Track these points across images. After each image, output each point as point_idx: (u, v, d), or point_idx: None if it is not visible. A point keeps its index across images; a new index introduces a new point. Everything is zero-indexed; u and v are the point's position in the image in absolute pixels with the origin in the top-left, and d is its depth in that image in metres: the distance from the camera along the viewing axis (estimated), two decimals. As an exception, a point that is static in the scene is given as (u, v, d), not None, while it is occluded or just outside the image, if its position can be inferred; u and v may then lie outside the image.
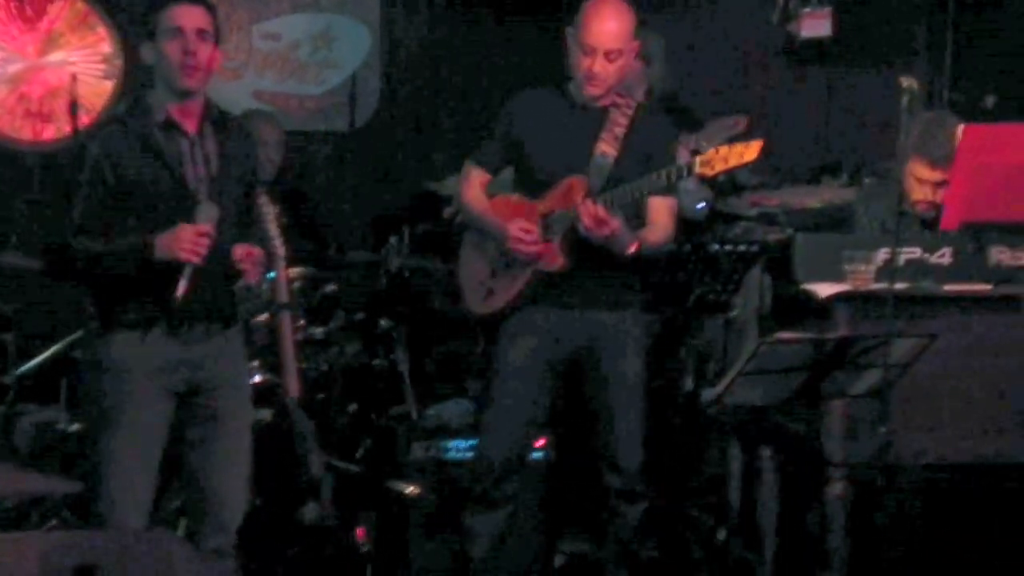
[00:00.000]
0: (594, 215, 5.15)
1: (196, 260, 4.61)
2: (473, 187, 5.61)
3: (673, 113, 6.52)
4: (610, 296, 5.47)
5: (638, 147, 5.43)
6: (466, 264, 5.68)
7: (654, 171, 5.29)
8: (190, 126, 4.76)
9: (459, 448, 6.48)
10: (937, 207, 5.61)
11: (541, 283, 5.43)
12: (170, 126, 4.73)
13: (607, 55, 5.34)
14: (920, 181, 5.71)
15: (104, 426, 4.74)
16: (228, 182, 4.79)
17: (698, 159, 5.06)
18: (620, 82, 5.46)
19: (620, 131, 5.43)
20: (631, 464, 5.50)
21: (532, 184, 5.50)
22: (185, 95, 4.72)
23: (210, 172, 4.75)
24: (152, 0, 4.79)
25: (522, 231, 5.39)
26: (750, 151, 5.03)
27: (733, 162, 5.03)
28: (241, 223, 4.88)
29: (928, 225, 5.69)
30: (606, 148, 5.42)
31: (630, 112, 5.47)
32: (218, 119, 4.83)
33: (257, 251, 4.79)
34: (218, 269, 4.77)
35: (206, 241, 4.61)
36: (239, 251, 4.74)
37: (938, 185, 5.66)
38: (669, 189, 5.31)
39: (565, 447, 6.47)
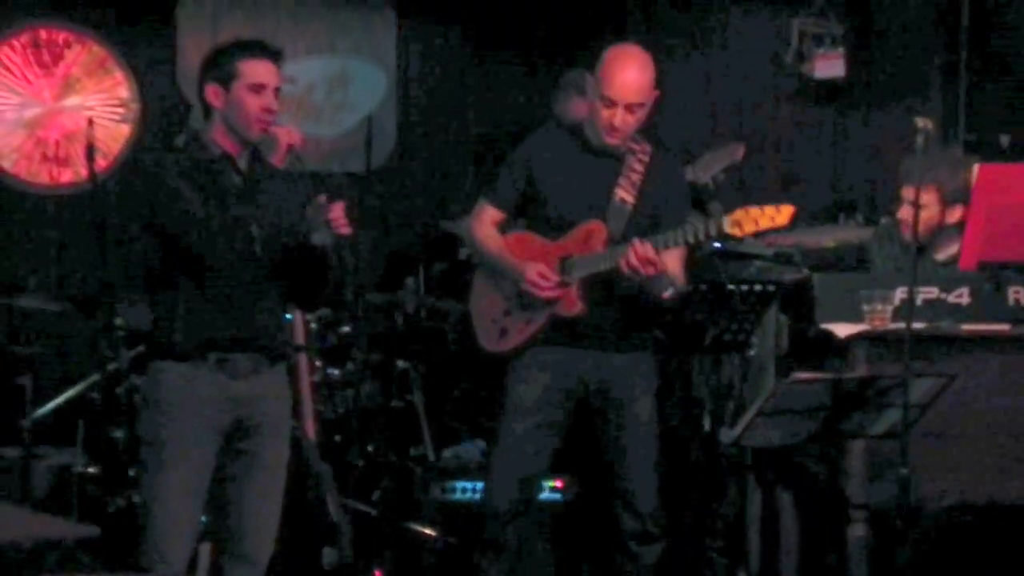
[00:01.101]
0: (644, 256, 5.14)
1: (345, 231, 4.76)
2: (486, 225, 5.61)
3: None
4: (622, 338, 5.47)
5: (653, 195, 5.45)
6: (479, 299, 5.67)
7: (666, 220, 5.30)
8: (242, 163, 4.86)
9: (477, 489, 6.47)
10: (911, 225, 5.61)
11: (555, 326, 5.43)
12: (225, 163, 4.82)
13: (628, 108, 5.35)
14: (904, 202, 5.73)
15: (152, 460, 4.81)
16: (276, 216, 4.85)
17: (728, 219, 5.04)
18: (635, 130, 5.47)
19: (637, 178, 5.44)
20: (648, 506, 5.49)
21: (546, 225, 5.50)
22: (248, 143, 4.84)
23: (259, 206, 4.81)
24: (229, 46, 4.87)
25: (540, 276, 5.38)
26: (781, 216, 5.02)
27: (764, 225, 5.03)
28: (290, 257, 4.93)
29: (920, 250, 5.66)
30: (624, 195, 5.43)
31: (646, 159, 5.48)
32: (256, 153, 4.91)
33: (341, 204, 4.82)
34: (265, 301, 4.85)
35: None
36: (326, 206, 4.76)
37: (909, 203, 5.66)
38: (699, 245, 5.32)
39: (582, 489, 6.46)
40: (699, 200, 6.34)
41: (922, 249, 5.63)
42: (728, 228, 5.05)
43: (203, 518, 5.02)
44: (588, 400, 5.51)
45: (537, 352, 5.48)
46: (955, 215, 5.73)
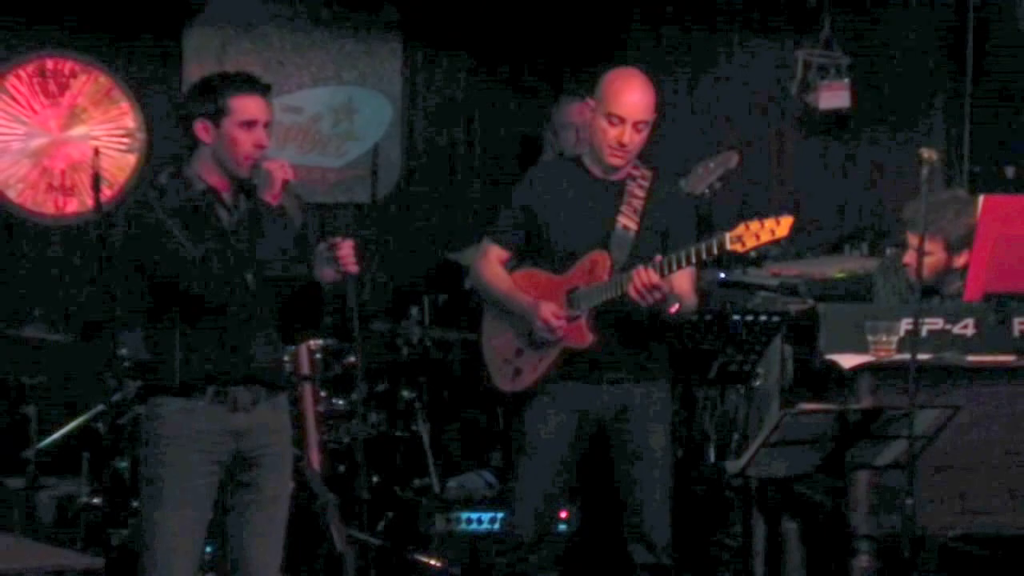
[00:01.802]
0: (648, 283, 5.12)
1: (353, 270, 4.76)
2: (493, 265, 5.59)
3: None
4: (637, 368, 5.46)
5: (656, 219, 5.44)
6: (490, 341, 5.65)
7: (673, 243, 5.30)
8: (228, 198, 4.83)
9: (482, 520, 6.47)
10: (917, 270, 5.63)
11: (569, 359, 5.42)
12: (211, 197, 4.79)
13: (635, 126, 5.36)
14: (909, 246, 5.74)
15: (151, 495, 4.79)
16: (267, 248, 4.83)
17: (728, 235, 5.03)
18: (637, 153, 5.48)
19: (639, 204, 5.43)
20: (660, 539, 5.46)
21: (552, 258, 5.50)
22: (236, 178, 4.82)
23: (253, 245, 4.80)
24: (219, 81, 4.86)
25: (552, 315, 5.37)
26: (781, 227, 5.01)
27: (765, 238, 5.02)
28: (285, 290, 4.91)
29: (926, 292, 5.68)
30: (626, 222, 5.42)
31: (646, 184, 5.47)
32: (249, 189, 4.88)
33: (351, 241, 4.82)
34: (262, 333, 4.84)
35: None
36: (339, 241, 4.77)
37: (914, 249, 5.67)
38: (707, 263, 5.30)
39: (588, 519, 6.45)
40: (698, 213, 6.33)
41: (930, 291, 5.64)
42: (730, 244, 5.04)
43: (208, 548, 5.02)
44: (604, 432, 5.48)
45: (553, 387, 5.46)
46: (962, 259, 5.71)
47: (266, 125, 4.83)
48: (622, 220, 5.41)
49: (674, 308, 5.28)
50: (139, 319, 4.89)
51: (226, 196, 4.83)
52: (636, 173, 5.49)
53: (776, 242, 5.06)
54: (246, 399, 4.81)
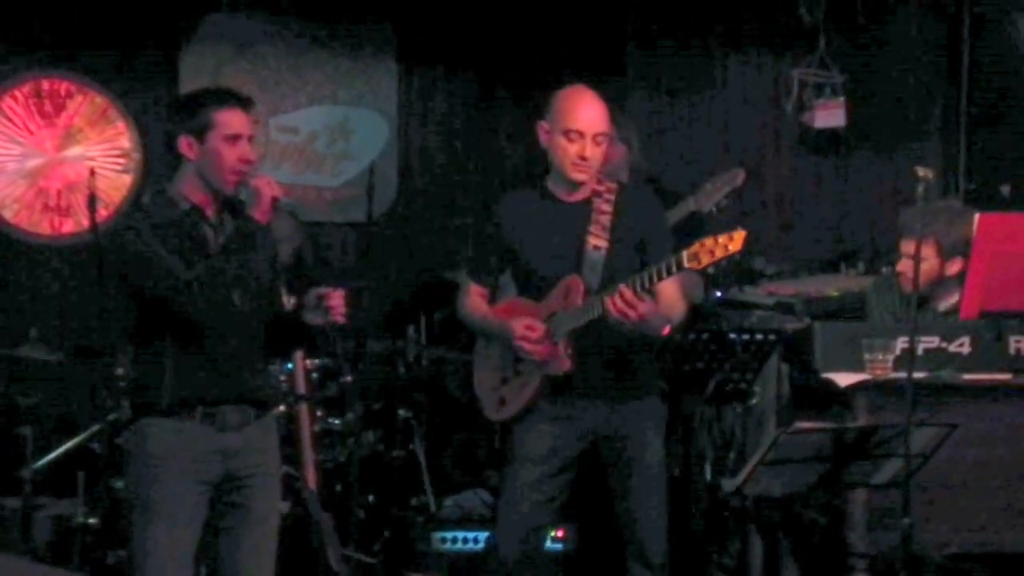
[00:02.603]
0: (619, 305, 5.10)
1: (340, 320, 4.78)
2: (471, 297, 5.59)
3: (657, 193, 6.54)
4: (627, 386, 5.45)
5: (628, 230, 5.41)
6: (478, 374, 5.65)
7: (651, 249, 5.29)
8: (212, 215, 4.81)
9: (478, 539, 6.46)
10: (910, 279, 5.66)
11: (560, 382, 5.40)
12: (196, 216, 4.77)
13: (594, 138, 5.35)
14: (904, 255, 5.75)
15: (141, 515, 4.76)
16: (252, 265, 4.81)
17: (685, 253, 5.00)
18: (601, 168, 5.48)
19: (606, 220, 5.40)
20: (658, 555, 5.44)
21: (531, 287, 5.48)
22: (221, 194, 4.79)
23: (239, 262, 4.78)
24: (201, 96, 4.85)
25: (527, 328, 5.36)
26: (735, 242, 4.98)
27: (719, 254, 4.98)
28: (270, 309, 4.90)
29: (920, 303, 5.69)
30: (597, 242, 5.38)
31: (612, 197, 5.45)
32: (236, 207, 4.86)
33: (342, 291, 4.82)
34: (250, 353, 4.83)
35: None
36: (329, 292, 4.78)
37: (908, 257, 5.69)
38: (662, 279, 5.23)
39: (584, 538, 6.45)
40: (701, 228, 6.34)
41: (922, 301, 5.64)
42: (687, 262, 5.02)
43: (203, 571, 5.00)
44: (597, 449, 5.47)
45: (542, 404, 5.45)
46: (955, 267, 5.73)
47: (250, 139, 4.79)
48: (591, 240, 5.38)
49: (666, 330, 5.27)
50: (127, 341, 4.88)
51: (211, 215, 4.80)
52: (601, 188, 5.46)
53: (730, 257, 5.02)
54: (235, 419, 4.79)
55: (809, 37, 8.55)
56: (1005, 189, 8.04)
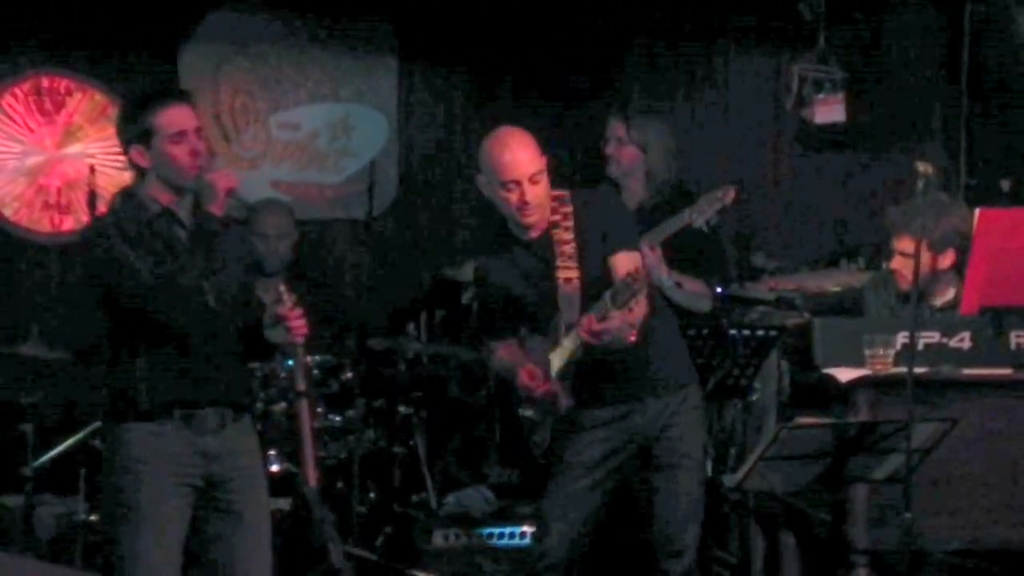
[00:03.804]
0: (590, 331, 5.03)
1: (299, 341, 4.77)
2: (495, 349, 5.54)
3: (679, 197, 6.52)
4: (671, 380, 5.40)
5: (593, 246, 5.33)
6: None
7: (611, 240, 5.25)
8: (186, 216, 4.76)
9: (479, 536, 6.46)
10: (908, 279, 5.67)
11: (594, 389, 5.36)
12: (167, 217, 4.73)
13: (531, 179, 5.25)
14: (902, 254, 5.76)
15: (124, 523, 4.71)
16: (227, 266, 4.78)
17: (607, 294, 4.96)
18: (548, 199, 5.35)
19: (570, 249, 5.32)
20: (690, 545, 5.40)
21: (534, 329, 5.46)
22: (187, 190, 4.75)
23: (209, 260, 4.75)
24: (138, 103, 4.79)
25: (527, 375, 5.34)
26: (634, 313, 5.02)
27: (637, 288, 4.95)
28: (245, 310, 4.84)
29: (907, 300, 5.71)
30: (566, 275, 5.31)
31: (570, 222, 5.36)
32: (205, 208, 4.83)
33: (302, 311, 4.78)
34: (226, 355, 4.78)
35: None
36: (288, 311, 4.74)
37: (905, 255, 5.70)
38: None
39: (609, 535, 6.44)
40: (698, 248, 6.34)
41: (918, 297, 5.65)
42: (610, 303, 4.97)
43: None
44: (644, 446, 5.43)
45: (589, 412, 5.41)
46: (947, 260, 5.73)
47: (197, 131, 4.73)
48: (561, 275, 5.30)
49: (632, 337, 5.21)
50: (101, 346, 4.83)
51: (180, 213, 4.75)
52: (556, 216, 5.37)
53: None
54: (214, 421, 4.75)
55: (809, 32, 8.54)
56: (1006, 184, 8.03)
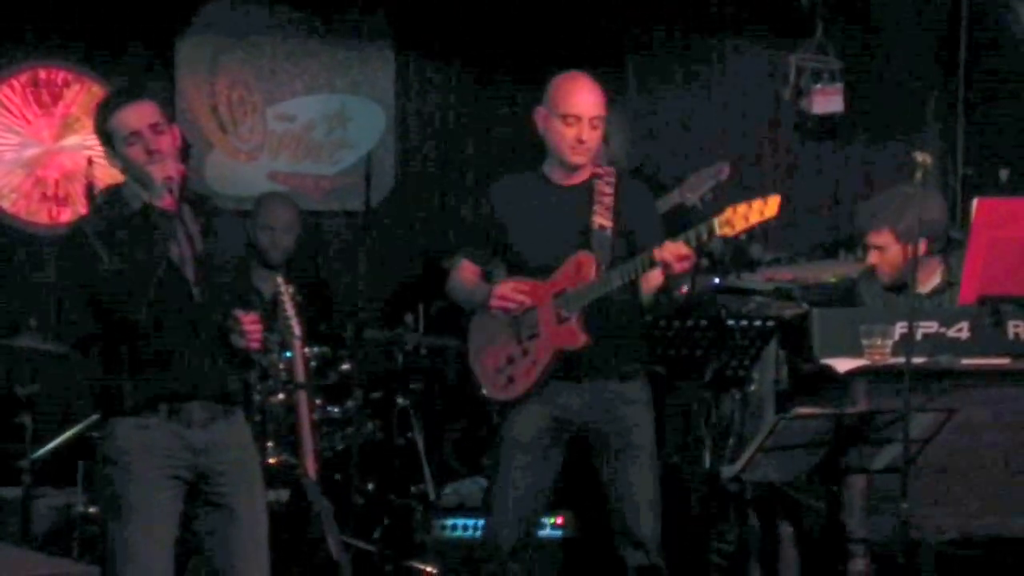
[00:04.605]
0: (677, 253, 5.10)
1: (255, 347, 4.73)
2: (463, 271, 5.66)
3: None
4: (618, 366, 5.47)
5: (627, 216, 5.46)
6: (478, 353, 5.66)
7: (643, 240, 5.30)
8: (168, 207, 4.68)
9: (478, 526, 6.46)
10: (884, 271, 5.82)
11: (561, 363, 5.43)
12: (149, 212, 4.67)
13: (591, 122, 5.41)
14: (869, 247, 5.80)
15: (115, 516, 4.70)
16: (213, 260, 4.76)
17: (716, 220, 5.05)
18: (598, 151, 5.51)
19: (609, 200, 5.46)
20: (651, 538, 5.46)
21: (526, 269, 5.51)
22: (162, 186, 4.68)
23: (195, 251, 4.71)
24: (98, 111, 4.76)
25: (513, 289, 5.42)
26: (769, 207, 5.01)
27: (754, 219, 5.01)
28: (235, 302, 4.79)
29: (900, 288, 5.74)
30: (602, 221, 5.44)
31: (613, 180, 5.51)
32: (195, 199, 4.81)
33: (256, 316, 4.74)
34: (212, 347, 4.74)
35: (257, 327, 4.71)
36: (241, 316, 4.70)
37: (877, 249, 5.79)
38: (700, 250, 5.26)
39: (583, 524, 6.45)
40: (689, 222, 6.35)
41: (903, 287, 5.66)
42: (720, 229, 5.05)
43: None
44: (586, 433, 5.49)
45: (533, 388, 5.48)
46: (921, 248, 5.69)
47: (154, 127, 4.66)
48: (597, 220, 5.43)
49: (684, 289, 5.30)
50: (86, 342, 4.80)
51: (163, 205, 4.66)
52: (601, 171, 5.54)
53: (766, 222, 5.03)
54: (201, 416, 4.73)
55: (806, 23, 8.54)
56: (1003, 174, 8.04)
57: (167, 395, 4.69)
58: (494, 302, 5.47)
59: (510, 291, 5.45)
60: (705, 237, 5.10)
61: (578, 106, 5.41)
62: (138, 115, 4.68)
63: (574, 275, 5.39)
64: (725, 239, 5.24)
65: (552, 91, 5.49)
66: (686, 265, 5.16)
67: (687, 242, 5.12)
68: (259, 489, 4.93)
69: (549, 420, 5.45)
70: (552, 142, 5.47)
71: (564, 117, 5.41)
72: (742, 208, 5.02)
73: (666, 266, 5.15)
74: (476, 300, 5.60)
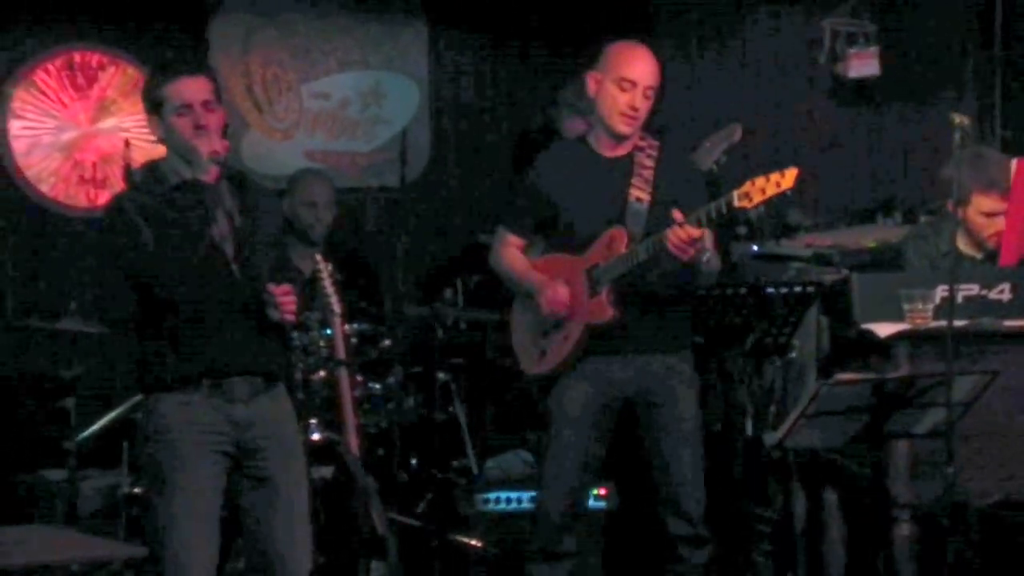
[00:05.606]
0: (682, 236, 5.09)
1: (290, 319, 4.72)
2: (507, 248, 5.66)
3: None
4: (661, 340, 5.48)
5: (667, 189, 5.44)
6: (517, 327, 5.69)
7: (684, 207, 5.29)
8: (212, 181, 4.68)
9: (521, 499, 6.48)
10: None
11: (593, 336, 5.43)
12: (189, 187, 4.69)
13: (645, 91, 5.40)
14: (989, 215, 5.69)
15: (159, 492, 4.72)
16: (253, 236, 4.77)
17: (736, 193, 5.03)
18: (643, 122, 5.49)
19: (649, 174, 5.45)
20: (695, 508, 5.47)
21: (571, 240, 5.51)
22: (208, 160, 4.68)
23: (234, 227, 4.72)
24: (152, 75, 4.80)
25: (555, 297, 5.43)
26: (786, 179, 4.99)
27: (771, 192, 4.99)
28: (274, 278, 4.78)
29: (991, 258, 5.69)
30: (639, 194, 5.43)
31: (655, 153, 5.50)
32: (235, 176, 4.82)
33: (288, 288, 4.73)
34: (253, 323, 4.75)
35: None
36: (274, 288, 4.70)
37: (986, 215, 5.68)
38: (715, 224, 5.25)
39: (626, 496, 6.46)
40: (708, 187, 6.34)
41: (994, 255, 5.63)
42: (738, 202, 5.03)
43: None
44: (632, 406, 5.50)
45: (577, 363, 5.48)
46: None
47: (206, 104, 4.68)
48: (634, 193, 5.43)
49: (706, 258, 5.28)
50: (129, 319, 4.81)
51: (200, 184, 4.67)
52: (643, 144, 5.52)
53: (783, 194, 5.01)
54: (243, 391, 4.74)
55: (840, -14, 8.51)
56: (1042, 135, 7.99)
57: (209, 370, 4.71)
58: (546, 310, 5.47)
59: (563, 295, 5.44)
60: (725, 210, 5.07)
61: (635, 72, 5.39)
62: (194, 88, 4.70)
63: (607, 249, 5.39)
64: (744, 210, 5.21)
65: (609, 55, 5.46)
66: (690, 252, 5.14)
67: (708, 214, 5.08)
68: (301, 464, 4.94)
69: (597, 395, 5.46)
70: (602, 108, 5.45)
71: (620, 81, 5.39)
72: (760, 181, 5.00)
73: (674, 249, 5.15)
74: (523, 290, 5.60)
